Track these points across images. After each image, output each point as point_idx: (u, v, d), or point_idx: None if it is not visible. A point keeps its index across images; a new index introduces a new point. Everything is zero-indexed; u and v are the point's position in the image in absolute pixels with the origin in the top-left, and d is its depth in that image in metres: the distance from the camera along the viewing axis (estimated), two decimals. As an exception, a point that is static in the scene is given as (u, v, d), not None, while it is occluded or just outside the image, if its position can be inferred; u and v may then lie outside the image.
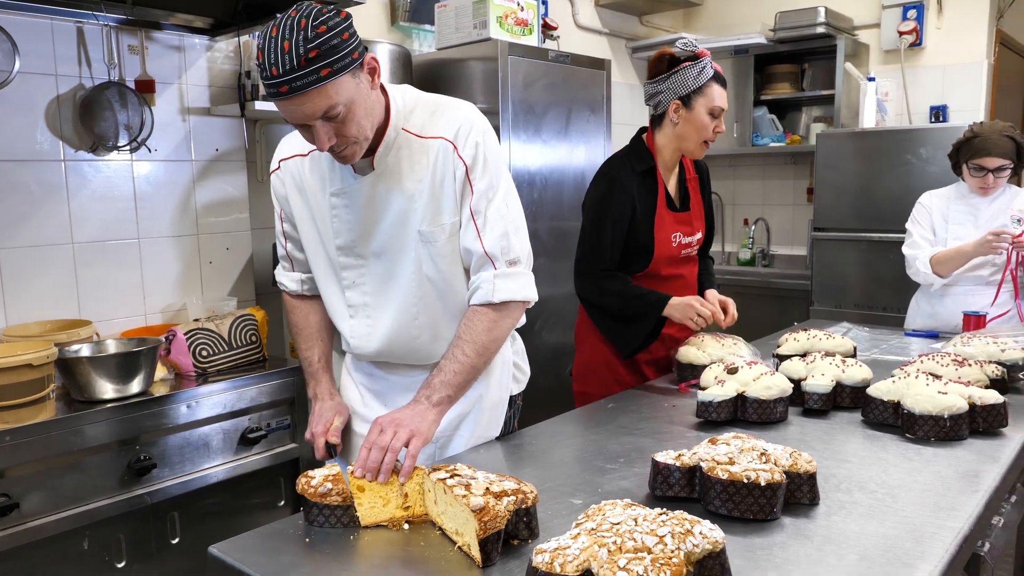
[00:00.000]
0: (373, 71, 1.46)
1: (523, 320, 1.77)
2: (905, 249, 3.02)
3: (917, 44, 4.52)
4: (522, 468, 1.56)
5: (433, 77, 3.26)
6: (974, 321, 2.61)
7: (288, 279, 1.82)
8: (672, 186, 2.36)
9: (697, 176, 2.45)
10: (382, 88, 1.55)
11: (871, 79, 4.31)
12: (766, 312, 4.61)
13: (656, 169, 2.28)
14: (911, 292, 3.15)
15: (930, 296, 2.99)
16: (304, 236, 1.71)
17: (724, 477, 1.28)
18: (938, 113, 4.44)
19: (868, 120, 4.31)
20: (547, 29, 4.04)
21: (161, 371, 2.43)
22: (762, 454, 1.34)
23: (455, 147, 1.55)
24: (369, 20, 3.44)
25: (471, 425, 1.72)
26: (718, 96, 2.20)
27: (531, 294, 1.66)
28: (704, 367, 2.06)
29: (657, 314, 2.23)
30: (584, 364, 2.46)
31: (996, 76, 4.53)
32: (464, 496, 1.16)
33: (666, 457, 1.37)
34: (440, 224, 1.58)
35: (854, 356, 2.30)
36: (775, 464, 1.32)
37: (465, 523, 1.16)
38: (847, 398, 1.93)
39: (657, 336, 2.31)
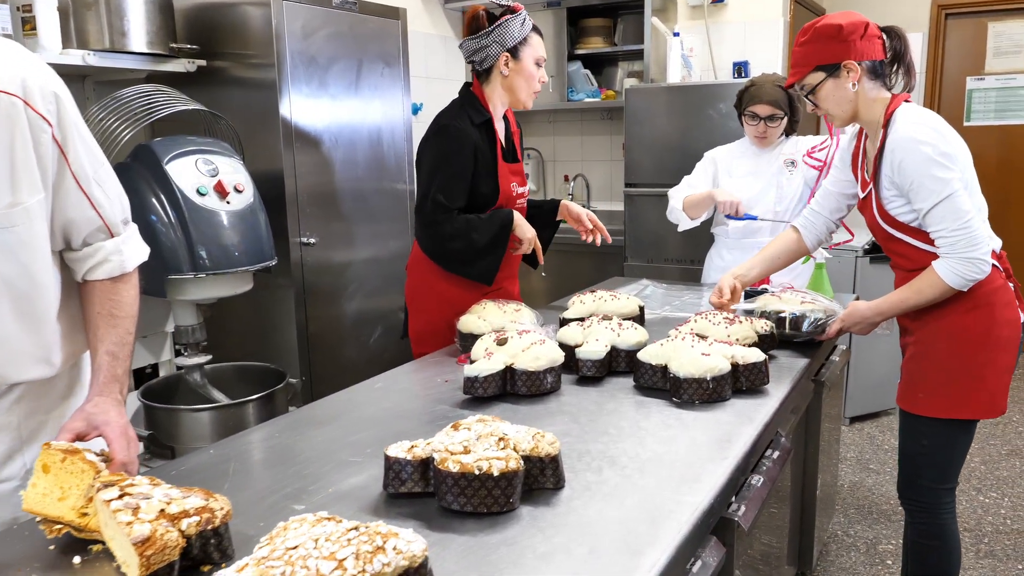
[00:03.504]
0: None
1: None
2: (669, 191, 3.05)
3: (720, 0, 4.60)
4: (252, 471, 1.38)
5: (200, 26, 2.92)
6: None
7: None
8: (502, 139, 2.36)
9: (519, 130, 2.49)
10: None
11: (676, 34, 4.34)
12: (583, 269, 4.61)
13: (492, 121, 2.29)
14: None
15: (721, 250, 3.04)
16: None
17: (455, 469, 1.15)
18: (740, 69, 4.54)
19: (674, 75, 4.35)
20: (343, -25, 3.76)
21: None
22: (501, 439, 1.23)
23: (27, 103, 1.17)
24: (128, -42, 3.04)
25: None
26: (540, 46, 2.28)
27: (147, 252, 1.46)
28: (484, 337, 1.95)
29: (508, 232, 2.25)
30: (422, 327, 2.40)
31: (792, 33, 4.69)
32: (128, 523, 0.96)
33: (398, 450, 1.23)
34: (20, 203, 1.20)
35: (641, 316, 2.27)
36: (513, 450, 1.21)
37: (131, 555, 0.97)
38: (623, 362, 1.88)
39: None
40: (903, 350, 2.12)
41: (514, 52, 2.23)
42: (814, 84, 1.97)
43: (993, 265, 1.91)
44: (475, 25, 2.23)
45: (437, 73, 4.81)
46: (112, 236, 1.35)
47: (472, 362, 1.78)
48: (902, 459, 2.13)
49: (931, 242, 1.91)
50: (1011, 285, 1.99)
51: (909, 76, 2.00)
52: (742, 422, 1.54)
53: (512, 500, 1.17)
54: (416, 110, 4.63)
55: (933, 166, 1.83)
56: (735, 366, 1.69)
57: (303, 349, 2.93)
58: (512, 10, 2.22)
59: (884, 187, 1.96)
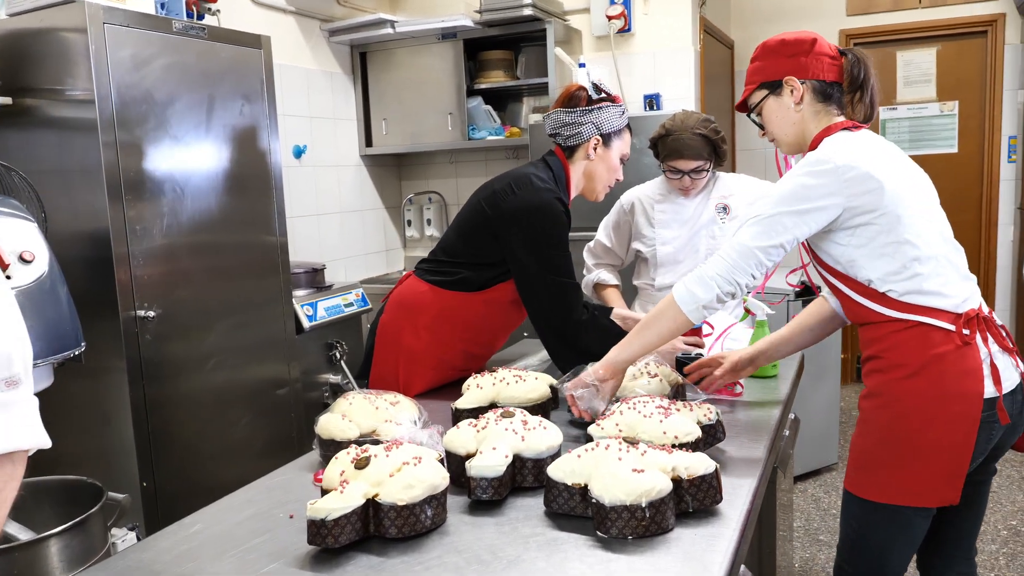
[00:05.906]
0: None
1: None
2: (585, 252, 2.78)
3: (626, 30, 4.31)
4: None
5: (9, 57, 2.38)
6: (691, 333, 2.27)
7: None
8: None
9: None
10: None
11: (581, 65, 3.99)
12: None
13: (568, 208, 2.12)
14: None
15: (647, 304, 2.64)
16: None
17: None
18: (652, 101, 4.25)
19: (582, 109, 4.00)
20: (203, 1, 3.27)
21: None
22: None
23: None
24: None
25: None
26: (628, 144, 2.22)
27: (43, 436, 1.01)
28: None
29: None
30: (382, 372, 2.16)
31: (703, 64, 4.43)
32: None
33: None
34: None
35: (555, 397, 1.84)
36: None
37: None
38: (529, 475, 1.42)
39: None
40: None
41: (606, 139, 2.15)
42: (756, 103, 1.73)
43: (944, 328, 1.55)
44: (572, 101, 2.15)
45: (322, 112, 4.35)
46: None
47: (324, 492, 1.30)
48: (839, 539, 1.76)
49: (860, 289, 1.61)
50: (987, 352, 1.61)
51: (863, 105, 1.69)
52: (693, 571, 1.10)
53: None
54: (299, 152, 4.14)
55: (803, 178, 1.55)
56: (678, 482, 1.26)
57: (144, 450, 2.37)
58: (613, 99, 2.16)
59: None
